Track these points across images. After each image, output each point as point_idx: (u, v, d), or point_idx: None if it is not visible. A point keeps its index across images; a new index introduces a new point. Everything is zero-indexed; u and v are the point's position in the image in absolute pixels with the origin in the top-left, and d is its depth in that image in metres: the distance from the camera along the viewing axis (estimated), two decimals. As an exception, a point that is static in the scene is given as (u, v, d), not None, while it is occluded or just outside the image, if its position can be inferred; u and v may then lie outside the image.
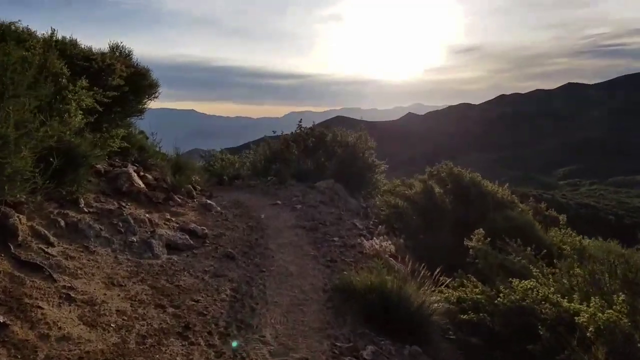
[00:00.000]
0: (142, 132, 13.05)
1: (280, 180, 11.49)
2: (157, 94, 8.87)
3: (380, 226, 7.46)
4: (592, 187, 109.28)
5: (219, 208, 7.39)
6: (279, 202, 9.14)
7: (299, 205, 8.74)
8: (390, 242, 6.26)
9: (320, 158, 12.23)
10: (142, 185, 6.31)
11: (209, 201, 7.32)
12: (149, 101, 8.72)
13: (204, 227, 5.97)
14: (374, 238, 6.54)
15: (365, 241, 6.34)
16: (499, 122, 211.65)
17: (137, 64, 8.00)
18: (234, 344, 3.42)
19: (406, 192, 8.93)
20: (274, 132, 13.86)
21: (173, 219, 5.98)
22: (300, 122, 13.57)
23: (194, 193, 7.79)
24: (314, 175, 11.79)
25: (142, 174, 6.97)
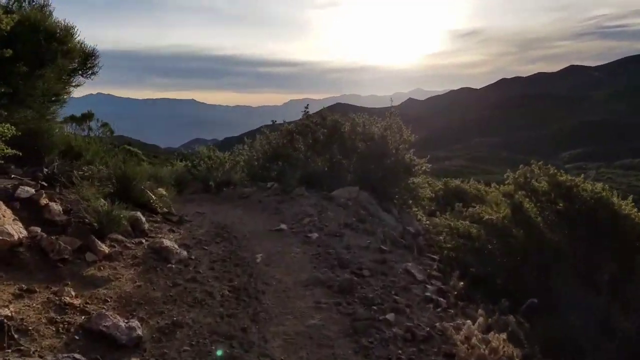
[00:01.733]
0: (74, 117, 10.07)
1: (284, 187, 8.50)
2: (90, 70, 5.89)
3: (453, 280, 4.48)
4: (599, 170, 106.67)
5: (184, 253, 4.39)
6: (283, 226, 6.15)
7: (314, 234, 5.76)
8: (495, 330, 3.29)
9: (335, 155, 9.23)
10: (22, 234, 3.30)
11: (167, 242, 4.31)
12: (74, 79, 5.76)
13: (137, 320, 2.98)
14: (459, 314, 3.57)
15: (448, 325, 3.37)
16: (501, 106, 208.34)
17: (51, 18, 4.97)
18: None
19: (484, 214, 5.86)
20: (274, 121, 10.82)
21: (77, 303, 3.00)
22: (306, 108, 10.54)
23: (146, 226, 4.80)
24: (328, 178, 8.80)
25: (44, 202, 3.97)
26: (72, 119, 10.79)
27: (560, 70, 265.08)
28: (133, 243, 4.28)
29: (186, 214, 6.82)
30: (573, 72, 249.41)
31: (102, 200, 4.47)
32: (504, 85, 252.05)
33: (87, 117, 10.89)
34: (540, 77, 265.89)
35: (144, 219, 4.79)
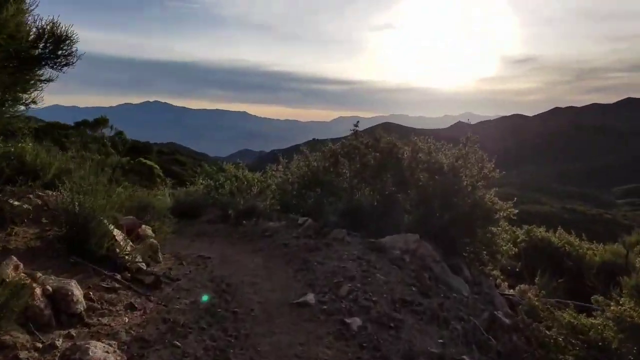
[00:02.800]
0: (87, 122, 8.63)
1: (319, 224, 6.53)
2: (62, 60, 4.24)
3: None
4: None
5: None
6: (310, 296, 4.15)
7: (355, 318, 3.73)
8: None
9: (389, 187, 7.18)
10: None
11: (96, 351, 2.42)
12: (41, 71, 4.13)
13: None
14: None
15: None
16: (554, 135, 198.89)
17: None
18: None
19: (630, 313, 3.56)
20: (315, 139, 8.90)
21: None
22: (356, 125, 8.56)
23: (81, 306, 2.92)
24: (378, 217, 6.75)
25: None
26: (84, 124, 9.39)
27: (616, 102, 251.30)
28: (35, 350, 2.41)
29: (181, 260, 4.98)
30: (629, 104, 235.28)
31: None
32: (557, 114, 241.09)
33: (101, 122, 9.46)
34: (594, 107, 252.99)
35: (78, 292, 2.92)
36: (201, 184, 9.82)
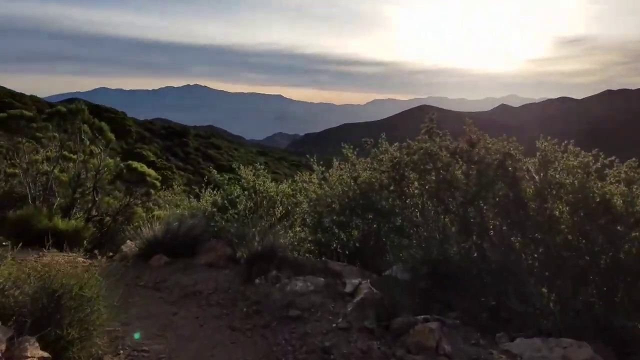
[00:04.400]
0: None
1: (386, 304, 3.67)
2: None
3: None
4: None
5: None
6: None
7: None
8: None
9: (500, 227, 4.24)
10: None
11: None
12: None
13: None
14: None
15: None
16: (604, 120, 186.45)
17: None
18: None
19: None
20: (366, 141, 5.94)
21: None
22: (432, 115, 5.57)
23: None
24: (483, 285, 3.84)
25: None
26: (58, 114, 6.84)
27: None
28: None
29: None
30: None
31: None
32: (609, 98, 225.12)
33: (76, 112, 6.85)
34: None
35: None
36: (208, 199, 7.12)
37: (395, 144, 5.80)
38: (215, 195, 7.34)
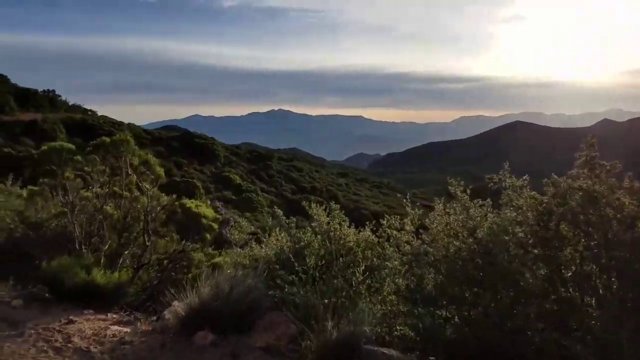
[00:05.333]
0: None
1: None
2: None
3: None
4: None
5: None
6: None
7: None
8: None
9: None
10: None
11: None
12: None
13: None
14: None
15: None
16: None
17: None
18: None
19: None
20: (491, 179, 4.08)
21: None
22: (591, 140, 3.62)
23: None
24: None
25: None
26: (102, 145, 5.89)
27: None
28: None
29: None
30: None
31: None
32: None
33: (119, 143, 5.82)
34: None
35: None
36: (274, 246, 5.67)
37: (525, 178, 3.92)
38: (282, 240, 5.88)
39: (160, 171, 5.87)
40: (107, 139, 5.66)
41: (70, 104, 66.09)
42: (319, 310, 3.84)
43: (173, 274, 6.51)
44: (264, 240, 6.29)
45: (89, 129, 51.64)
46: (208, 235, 5.89)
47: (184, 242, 6.27)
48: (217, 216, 6.11)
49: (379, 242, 5.19)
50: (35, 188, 6.25)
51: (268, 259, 5.78)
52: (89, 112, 65.80)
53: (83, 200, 6.66)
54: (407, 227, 4.93)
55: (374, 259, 4.97)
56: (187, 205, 5.82)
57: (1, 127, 45.96)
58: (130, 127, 65.89)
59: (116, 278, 5.57)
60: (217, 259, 6.44)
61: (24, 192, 6.64)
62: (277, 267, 5.29)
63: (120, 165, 5.74)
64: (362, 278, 4.50)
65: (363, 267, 4.61)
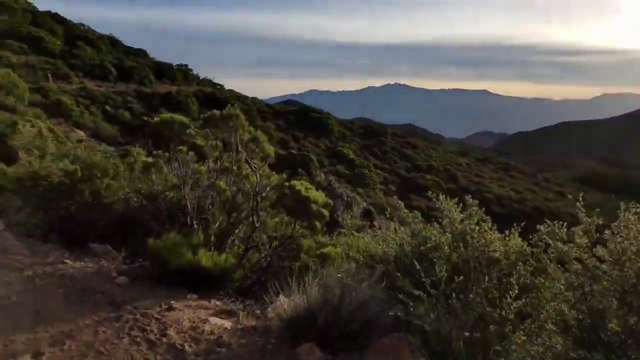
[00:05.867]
0: None
1: None
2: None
3: None
4: None
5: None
6: None
7: None
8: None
9: None
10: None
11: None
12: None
13: None
14: None
15: None
16: None
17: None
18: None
19: None
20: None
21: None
22: None
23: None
24: None
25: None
26: (212, 118, 5.50)
27: None
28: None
29: None
30: None
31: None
32: None
33: (227, 117, 5.34)
34: None
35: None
36: (393, 242, 4.77)
37: None
38: (402, 235, 4.94)
39: (270, 149, 5.28)
40: (218, 113, 5.19)
41: (201, 77, 71.34)
42: (458, 346, 2.89)
43: (281, 260, 5.98)
44: (379, 231, 5.42)
45: (218, 102, 55.21)
46: (318, 224, 5.17)
47: (293, 225, 5.66)
48: (328, 201, 5.35)
49: (532, 253, 3.98)
50: (150, 159, 6.11)
51: (386, 258, 4.92)
52: (218, 87, 70.39)
53: (196, 174, 6.41)
54: (579, 240, 3.65)
55: (527, 276, 3.80)
56: (297, 188, 5.15)
57: (142, 98, 51.33)
58: (255, 101, 69.19)
59: (222, 261, 5.18)
60: (328, 249, 5.75)
61: (140, 161, 6.59)
62: (398, 272, 4.37)
63: (231, 140, 5.26)
64: (513, 303, 3.40)
65: (516, 288, 3.49)
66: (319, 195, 5.24)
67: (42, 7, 65.67)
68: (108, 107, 46.00)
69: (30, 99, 37.56)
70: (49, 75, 45.90)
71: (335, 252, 5.62)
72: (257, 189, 5.46)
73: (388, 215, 5.41)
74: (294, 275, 5.16)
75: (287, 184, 5.52)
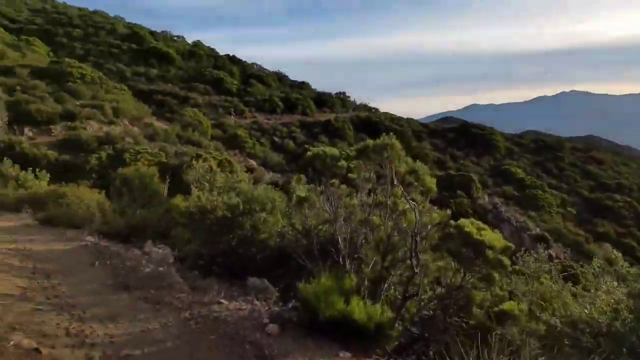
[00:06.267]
0: None
1: None
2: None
3: None
4: None
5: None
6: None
7: None
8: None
9: None
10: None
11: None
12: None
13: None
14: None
15: None
16: None
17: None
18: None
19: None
20: None
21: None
22: None
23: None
24: None
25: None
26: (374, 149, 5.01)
27: None
28: None
29: None
30: None
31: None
32: None
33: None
34: None
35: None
36: (603, 304, 3.47)
37: None
38: (615, 296, 3.59)
39: (431, 182, 4.46)
40: (371, 143, 4.60)
41: (357, 103, 73.50)
42: None
43: (447, 315, 5.03)
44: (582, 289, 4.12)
45: (373, 126, 55.89)
46: (496, 275, 4.12)
47: (463, 274, 4.70)
48: (509, 245, 4.26)
49: None
50: (303, 194, 5.82)
51: (595, 329, 3.62)
52: (373, 110, 71.56)
53: (348, 208, 5.91)
54: None
55: None
56: (466, 229, 4.19)
57: (304, 127, 54.80)
58: (409, 121, 68.33)
59: (378, 314, 4.48)
60: (508, 305, 4.60)
61: (297, 194, 6.36)
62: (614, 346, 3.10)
63: (385, 173, 4.60)
64: None
65: None
66: (495, 238, 4.20)
67: (222, 51, 76.01)
68: (275, 138, 50.30)
69: (212, 134, 43.39)
70: (232, 111, 52.33)
71: (518, 309, 4.46)
72: (416, 228, 4.66)
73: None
74: (465, 335, 4.18)
75: (452, 222, 4.59)
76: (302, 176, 12.29)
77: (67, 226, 8.58)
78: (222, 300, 5.16)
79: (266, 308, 5.16)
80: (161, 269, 6.03)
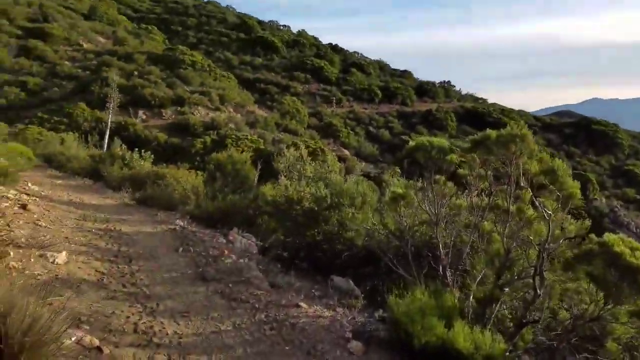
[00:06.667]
0: None
1: None
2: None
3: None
4: None
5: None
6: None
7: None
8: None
9: None
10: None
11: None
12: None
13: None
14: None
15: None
16: None
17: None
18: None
19: None
20: None
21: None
22: None
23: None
24: None
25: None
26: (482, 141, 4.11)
27: None
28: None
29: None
30: None
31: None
32: None
33: (509, 138, 3.76)
34: None
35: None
36: None
37: None
38: None
39: (574, 187, 3.40)
40: (493, 134, 3.67)
41: (462, 93, 69.46)
42: None
43: (575, 349, 4.00)
44: None
45: (478, 117, 52.38)
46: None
47: (603, 303, 3.63)
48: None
49: None
50: (400, 190, 5.02)
51: None
52: (480, 101, 67.18)
53: (454, 209, 5.02)
54: None
55: None
56: (615, 249, 3.13)
57: (402, 117, 52.97)
58: (520, 113, 63.00)
59: (487, 344, 3.60)
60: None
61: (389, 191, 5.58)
62: None
63: (509, 170, 3.65)
64: None
65: None
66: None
67: (325, 40, 76.59)
68: (371, 128, 49.28)
69: (309, 122, 43.72)
70: (333, 100, 52.41)
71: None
72: (547, 242, 3.66)
73: None
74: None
75: (595, 238, 3.53)
76: (397, 169, 11.43)
77: (161, 207, 8.70)
78: (302, 304, 4.61)
79: (350, 318, 4.51)
80: (242, 261, 5.66)
